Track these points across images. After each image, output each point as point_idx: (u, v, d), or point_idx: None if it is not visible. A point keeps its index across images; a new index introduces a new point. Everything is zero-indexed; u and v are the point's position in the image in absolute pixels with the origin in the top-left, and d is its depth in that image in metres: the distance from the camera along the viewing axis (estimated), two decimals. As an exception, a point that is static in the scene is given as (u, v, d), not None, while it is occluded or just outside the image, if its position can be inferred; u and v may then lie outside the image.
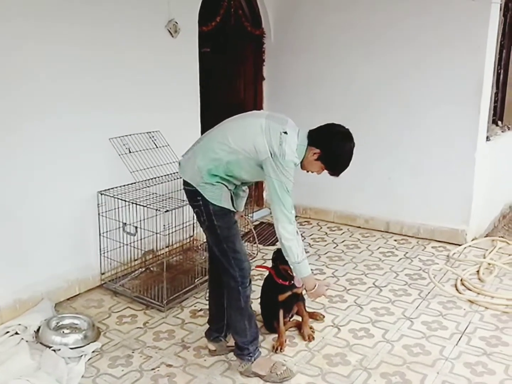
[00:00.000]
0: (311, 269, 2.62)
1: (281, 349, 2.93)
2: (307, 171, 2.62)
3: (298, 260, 2.49)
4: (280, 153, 2.38)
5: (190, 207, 2.65)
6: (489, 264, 4.15)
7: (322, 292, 2.65)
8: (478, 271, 4.03)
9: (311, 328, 3.13)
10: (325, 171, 2.60)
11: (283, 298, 2.99)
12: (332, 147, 2.51)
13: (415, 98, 4.63)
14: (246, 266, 2.62)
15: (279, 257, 2.91)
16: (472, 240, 4.69)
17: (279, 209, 2.45)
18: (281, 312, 2.98)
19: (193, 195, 2.55)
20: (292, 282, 2.93)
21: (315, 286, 2.59)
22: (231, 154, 2.46)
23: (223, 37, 5.23)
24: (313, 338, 3.04)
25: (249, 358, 2.68)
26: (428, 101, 4.57)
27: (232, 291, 2.62)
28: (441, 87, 4.47)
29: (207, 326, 2.95)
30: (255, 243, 4.30)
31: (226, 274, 2.62)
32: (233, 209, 2.59)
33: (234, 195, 2.62)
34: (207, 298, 3.16)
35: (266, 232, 4.99)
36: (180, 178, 3.95)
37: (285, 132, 2.43)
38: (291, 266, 2.55)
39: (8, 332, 3.02)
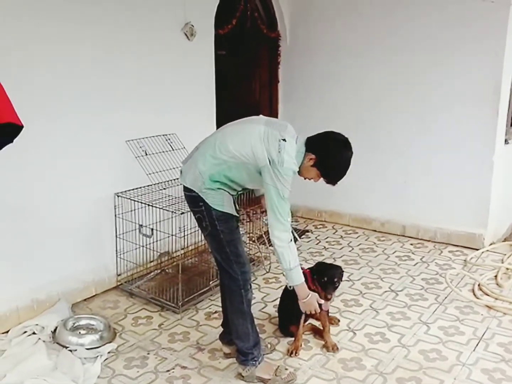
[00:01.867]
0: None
1: (296, 353, 2.92)
2: (305, 178, 2.60)
3: (290, 267, 2.49)
4: (279, 160, 2.37)
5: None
6: (507, 269, 4.09)
7: (314, 305, 2.63)
8: (496, 276, 3.98)
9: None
10: (322, 180, 2.57)
11: None
12: (328, 154, 2.49)
13: (432, 100, 4.58)
14: (247, 269, 2.63)
15: (321, 273, 2.92)
16: (490, 244, 4.62)
17: (274, 217, 2.43)
18: (303, 317, 2.95)
19: (195, 200, 2.54)
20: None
21: (308, 296, 2.60)
22: (231, 160, 2.45)
23: (239, 39, 5.25)
24: (337, 348, 2.97)
25: (254, 362, 2.65)
26: (445, 103, 4.52)
27: (234, 294, 2.63)
28: (458, 88, 4.42)
29: (222, 328, 2.95)
30: (268, 246, 4.29)
31: (228, 278, 2.62)
32: (236, 214, 2.59)
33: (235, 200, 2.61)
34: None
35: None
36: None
37: (284, 139, 2.41)
38: (284, 273, 2.57)
39: (25, 332, 3.06)
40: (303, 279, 2.58)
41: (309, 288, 2.77)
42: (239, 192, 2.64)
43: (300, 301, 2.62)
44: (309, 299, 2.60)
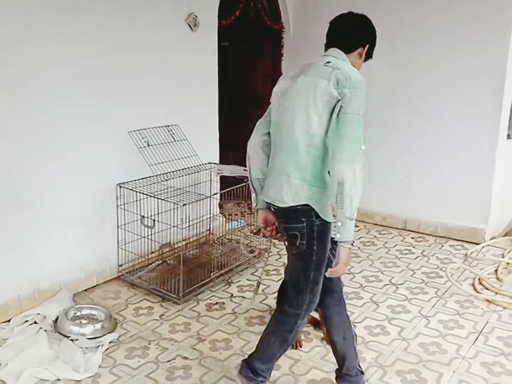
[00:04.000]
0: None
1: (300, 345, 2.92)
2: None
3: (352, 215, 2.04)
4: (345, 78, 2.03)
5: (287, 228, 2.23)
6: (507, 263, 4.10)
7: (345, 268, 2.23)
8: (496, 271, 3.99)
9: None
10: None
11: None
12: (374, 32, 2.39)
13: (434, 95, 4.57)
14: (316, 301, 2.31)
15: None
16: (491, 239, 4.63)
17: (357, 147, 2.01)
18: None
19: (296, 215, 2.15)
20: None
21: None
22: (318, 143, 2.09)
23: (242, 31, 5.23)
24: None
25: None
26: (447, 98, 4.51)
27: (288, 320, 2.30)
28: (462, 84, 4.42)
29: (228, 321, 2.90)
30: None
31: (291, 302, 2.29)
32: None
33: None
34: None
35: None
36: (199, 172, 4.04)
37: (326, 63, 2.11)
38: (340, 223, 2.04)
39: (27, 321, 3.07)
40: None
41: None
42: None
43: (340, 262, 2.12)
44: (347, 262, 2.16)
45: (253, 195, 2.41)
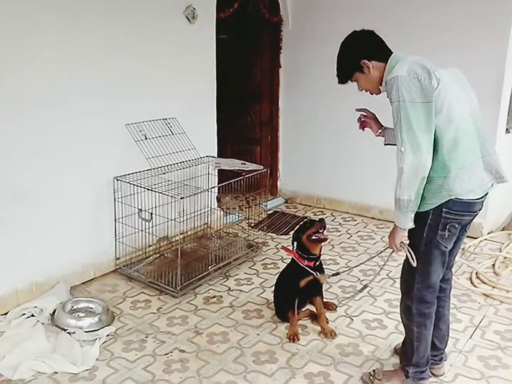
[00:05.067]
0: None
1: (297, 338, 2.93)
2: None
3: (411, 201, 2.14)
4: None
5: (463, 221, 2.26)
6: (505, 258, 4.11)
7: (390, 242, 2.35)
8: (493, 265, 3.99)
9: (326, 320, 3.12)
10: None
11: (305, 283, 2.96)
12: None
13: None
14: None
15: (301, 230, 2.97)
16: (488, 233, 4.63)
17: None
18: (296, 301, 2.98)
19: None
20: (317, 263, 2.96)
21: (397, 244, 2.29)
22: None
23: (241, 24, 5.19)
24: (335, 334, 2.99)
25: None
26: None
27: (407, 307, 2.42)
28: (461, 77, 4.40)
29: (225, 314, 2.95)
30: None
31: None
32: None
33: None
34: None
35: (279, 221, 4.99)
36: (196, 165, 4.03)
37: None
38: (399, 211, 2.18)
39: (24, 314, 3.06)
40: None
41: (302, 264, 2.92)
42: None
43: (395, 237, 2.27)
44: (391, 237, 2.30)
45: (412, 215, 2.21)
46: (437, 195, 2.16)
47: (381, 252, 2.84)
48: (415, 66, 2.15)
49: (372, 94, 2.43)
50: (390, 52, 2.31)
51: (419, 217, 2.20)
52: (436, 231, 2.22)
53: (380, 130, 2.59)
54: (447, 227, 2.21)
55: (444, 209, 2.17)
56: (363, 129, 2.66)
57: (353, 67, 2.36)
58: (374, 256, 3.08)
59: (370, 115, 2.61)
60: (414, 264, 2.27)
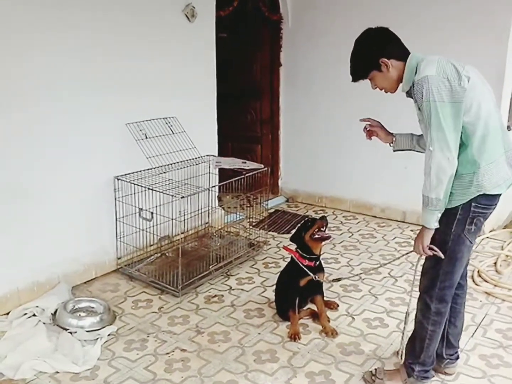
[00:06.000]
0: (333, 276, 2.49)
1: (298, 337, 2.92)
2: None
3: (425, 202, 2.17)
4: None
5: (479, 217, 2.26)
6: (506, 256, 4.10)
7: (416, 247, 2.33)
8: (495, 263, 3.98)
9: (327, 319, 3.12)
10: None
11: (305, 282, 2.95)
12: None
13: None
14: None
15: (303, 229, 2.96)
16: (490, 231, 4.62)
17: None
18: (297, 300, 2.98)
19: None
20: (317, 263, 2.96)
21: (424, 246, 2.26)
22: None
23: (240, 22, 5.19)
24: (336, 333, 2.98)
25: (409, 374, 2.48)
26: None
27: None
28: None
29: (226, 313, 2.94)
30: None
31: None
32: None
33: None
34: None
35: (281, 220, 4.98)
36: (197, 164, 4.03)
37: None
38: (427, 209, 2.18)
39: (26, 313, 3.06)
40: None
41: (302, 264, 2.91)
42: None
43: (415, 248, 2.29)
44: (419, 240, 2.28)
45: (438, 214, 2.21)
46: (466, 191, 2.19)
47: (407, 254, 2.85)
48: (444, 65, 2.17)
49: (386, 92, 2.41)
50: (407, 51, 2.33)
51: (447, 213, 2.22)
52: (464, 226, 2.24)
53: (391, 141, 2.60)
54: (474, 221, 2.24)
55: (473, 204, 2.20)
56: (370, 139, 2.65)
57: (371, 66, 2.32)
58: (398, 258, 3.17)
59: (375, 124, 2.60)
60: (443, 256, 2.24)
